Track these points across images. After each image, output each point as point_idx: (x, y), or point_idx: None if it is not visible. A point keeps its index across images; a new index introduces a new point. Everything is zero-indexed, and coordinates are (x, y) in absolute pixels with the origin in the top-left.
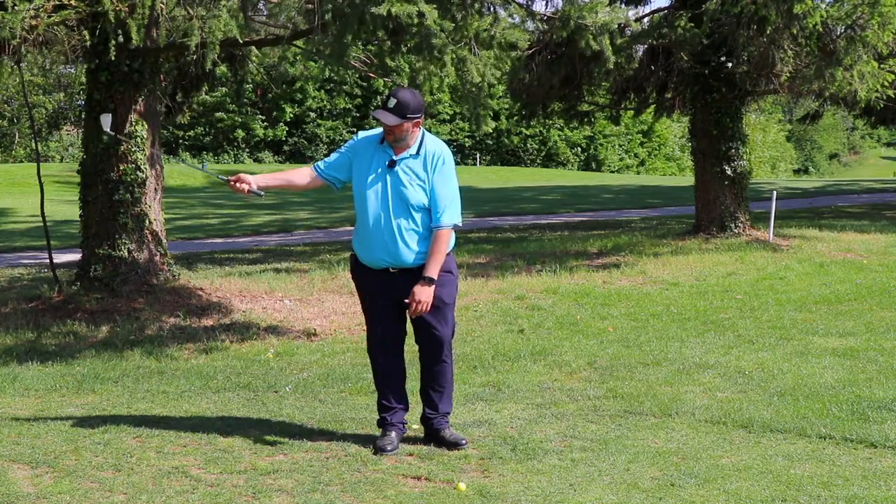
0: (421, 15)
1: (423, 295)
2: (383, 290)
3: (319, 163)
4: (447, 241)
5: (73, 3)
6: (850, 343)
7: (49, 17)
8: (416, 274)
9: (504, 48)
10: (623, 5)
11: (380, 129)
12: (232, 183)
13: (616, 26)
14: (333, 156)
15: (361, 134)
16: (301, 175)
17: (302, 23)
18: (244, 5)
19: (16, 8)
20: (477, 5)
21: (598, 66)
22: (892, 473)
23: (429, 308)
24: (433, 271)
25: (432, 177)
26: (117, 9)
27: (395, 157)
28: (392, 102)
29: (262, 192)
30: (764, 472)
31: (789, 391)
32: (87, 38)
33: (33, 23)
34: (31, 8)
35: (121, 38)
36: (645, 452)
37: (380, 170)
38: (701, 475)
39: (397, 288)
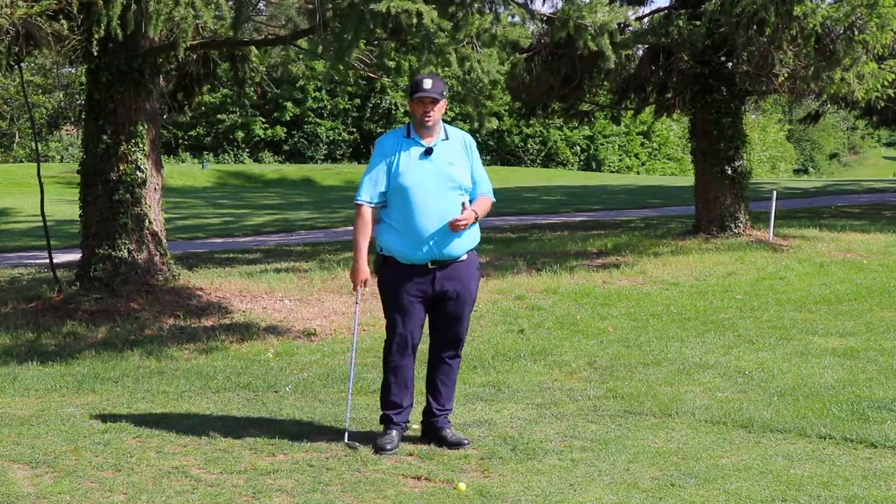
0: (419, 14)
1: (470, 217)
2: (418, 288)
3: (362, 195)
4: (490, 205)
5: None
6: (850, 343)
7: (30, 7)
8: (450, 268)
9: (505, 47)
10: (624, 5)
11: (399, 127)
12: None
13: (615, 26)
14: (369, 174)
15: (383, 137)
16: (368, 221)
17: (302, 23)
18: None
19: None
20: (477, 5)
21: (599, 63)
22: (892, 473)
23: (465, 225)
24: (479, 208)
25: (472, 158)
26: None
27: (429, 145)
28: (429, 83)
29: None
30: (764, 472)
31: (789, 391)
32: (65, 27)
33: (9, 10)
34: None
35: (111, 32)
36: (645, 452)
37: (418, 159)
38: (701, 475)
39: (432, 284)
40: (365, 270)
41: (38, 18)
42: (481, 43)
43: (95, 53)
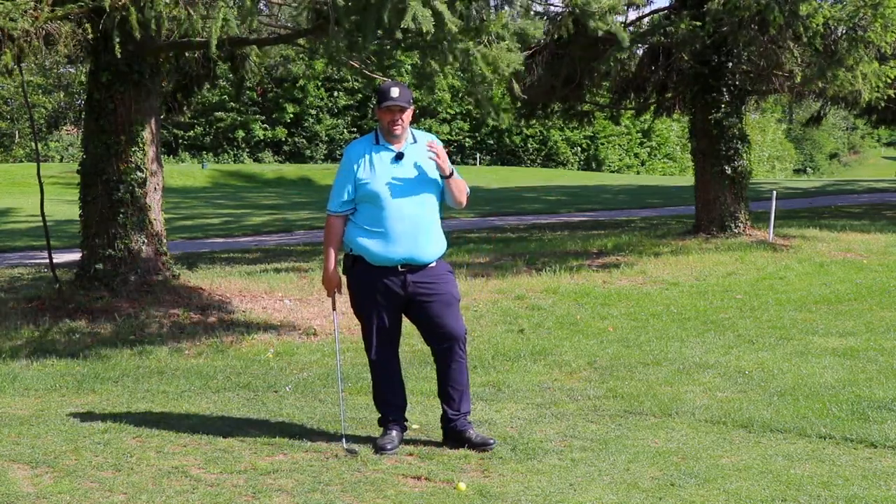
0: (439, 16)
1: (440, 151)
2: (388, 286)
3: (332, 204)
4: (465, 186)
5: None
6: (850, 343)
7: (52, 10)
8: (419, 273)
9: (517, 39)
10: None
11: (368, 134)
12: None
13: (624, 7)
14: (338, 184)
15: (352, 145)
16: (337, 231)
17: (305, 22)
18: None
19: (16, 0)
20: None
21: (612, 51)
22: (892, 473)
23: (439, 156)
24: (460, 181)
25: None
26: (119, 4)
27: (399, 150)
28: (396, 91)
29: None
30: (764, 472)
31: (789, 391)
32: (90, 31)
33: (35, 14)
34: (32, 0)
35: (126, 35)
36: (645, 452)
37: (389, 164)
38: (701, 475)
39: (403, 286)
40: (335, 278)
41: (59, 22)
42: (496, 37)
43: (119, 56)
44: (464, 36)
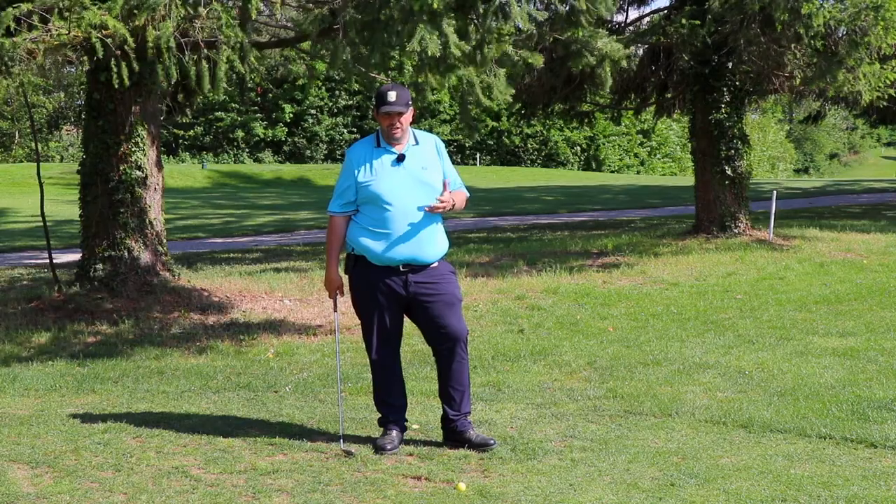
0: (444, 44)
1: (448, 202)
2: (390, 286)
3: (333, 205)
4: (466, 199)
5: (71, 32)
6: (850, 343)
7: (45, 43)
8: (421, 273)
9: (516, 66)
10: (626, 6)
11: (369, 136)
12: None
13: (620, 55)
14: (340, 185)
15: (353, 147)
16: (339, 232)
17: (308, 28)
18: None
19: (14, 39)
20: (494, 19)
21: (596, 83)
22: (892, 473)
23: (443, 209)
24: (456, 198)
25: (443, 160)
26: (112, 42)
27: (400, 152)
28: (393, 95)
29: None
30: (764, 472)
31: (789, 391)
32: (87, 63)
33: (31, 46)
34: (30, 39)
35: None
36: (645, 452)
37: (390, 166)
38: (701, 475)
39: (405, 286)
40: (337, 279)
41: (61, 49)
42: (498, 64)
43: (128, 82)
44: (464, 61)
